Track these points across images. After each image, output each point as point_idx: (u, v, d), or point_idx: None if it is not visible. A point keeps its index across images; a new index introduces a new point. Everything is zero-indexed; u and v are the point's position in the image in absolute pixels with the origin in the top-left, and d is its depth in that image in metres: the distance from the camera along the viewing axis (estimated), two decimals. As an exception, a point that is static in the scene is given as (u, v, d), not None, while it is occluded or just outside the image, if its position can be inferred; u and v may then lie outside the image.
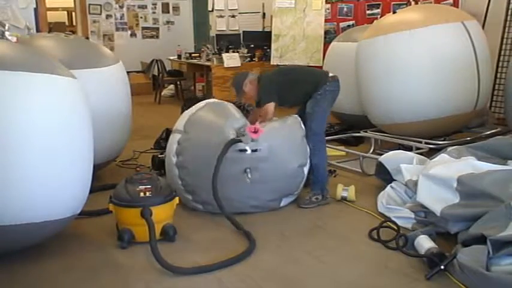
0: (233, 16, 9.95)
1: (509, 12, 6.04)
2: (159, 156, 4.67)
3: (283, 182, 3.67)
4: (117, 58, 4.58)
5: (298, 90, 3.85)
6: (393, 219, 3.43)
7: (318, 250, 3.12)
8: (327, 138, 5.37)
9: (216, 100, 3.98)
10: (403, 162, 3.85)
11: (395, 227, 3.29)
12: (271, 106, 3.75)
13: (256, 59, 8.36)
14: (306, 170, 3.79)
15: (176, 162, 3.63)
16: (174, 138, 3.75)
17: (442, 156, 3.63)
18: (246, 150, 3.41)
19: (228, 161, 3.43)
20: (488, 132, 5.18)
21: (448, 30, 4.88)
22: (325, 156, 3.90)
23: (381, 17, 6.66)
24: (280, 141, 3.62)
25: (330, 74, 3.94)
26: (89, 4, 10.46)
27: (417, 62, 4.83)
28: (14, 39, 4.27)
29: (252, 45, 8.58)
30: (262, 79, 3.92)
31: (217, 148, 3.40)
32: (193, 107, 3.89)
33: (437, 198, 3.22)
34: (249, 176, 3.44)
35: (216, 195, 3.34)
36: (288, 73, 4.03)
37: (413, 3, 6.64)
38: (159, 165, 4.57)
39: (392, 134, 5.23)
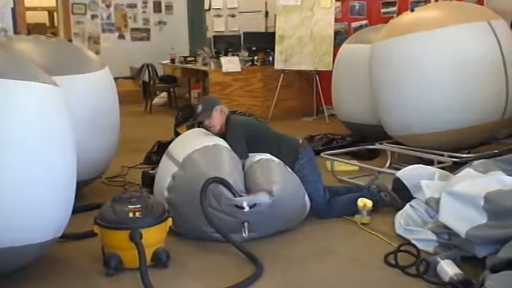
0: (232, 16, 10.02)
1: (540, 10, 6.07)
2: (150, 172, 4.67)
3: (286, 224, 3.74)
4: (104, 63, 4.61)
5: (267, 151, 3.95)
6: (413, 241, 3.42)
7: (328, 276, 3.11)
8: (337, 151, 5.42)
9: (214, 145, 3.82)
10: (423, 178, 3.85)
11: (415, 251, 3.28)
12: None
13: (258, 63, 8.40)
14: (308, 201, 3.87)
15: (166, 198, 3.64)
16: (169, 168, 3.76)
17: (467, 171, 3.62)
18: (243, 207, 3.38)
19: (223, 214, 3.44)
20: (519, 144, 5.18)
21: (472, 30, 4.90)
22: (341, 207, 4.00)
23: (397, 16, 6.69)
24: (282, 186, 3.62)
25: (300, 141, 4.11)
26: (72, 3, 10.53)
27: (438, 66, 4.85)
28: (-11, 42, 4.30)
29: (254, 48, 8.62)
30: (233, 122, 3.99)
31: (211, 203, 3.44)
32: (194, 136, 3.92)
33: (462, 218, 3.21)
34: (246, 232, 3.45)
35: (212, 222, 3.36)
36: (257, 139, 4.02)
37: (432, 0, 6.67)
38: (149, 182, 4.57)
39: (411, 146, 5.23)
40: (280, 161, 3.88)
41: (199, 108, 4.02)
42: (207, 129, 4.05)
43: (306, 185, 3.88)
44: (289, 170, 3.89)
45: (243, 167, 3.83)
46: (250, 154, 3.91)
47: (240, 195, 3.47)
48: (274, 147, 4.00)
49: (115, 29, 10.91)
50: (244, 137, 3.93)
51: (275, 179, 3.65)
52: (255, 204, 3.41)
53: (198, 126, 4.24)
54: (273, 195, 3.50)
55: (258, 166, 3.78)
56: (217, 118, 3.99)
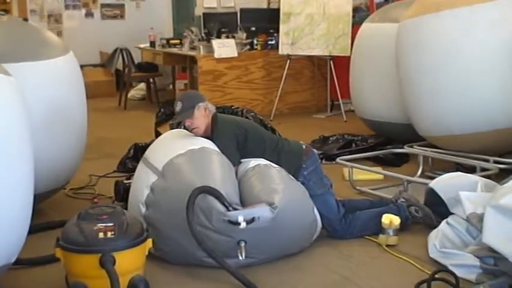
0: (227, -12, 10.05)
1: None
2: (125, 182, 4.68)
3: (292, 246, 3.76)
4: (67, 47, 4.62)
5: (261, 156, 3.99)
6: (450, 267, 3.43)
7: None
8: (357, 155, 5.43)
9: (201, 149, 3.87)
10: (463, 189, 3.85)
11: (454, 279, 3.29)
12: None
13: (258, 46, 8.40)
14: (318, 216, 3.88)
15: (144, 215, 3.65)
16: (146, 177, 3.78)
17: (517, 181, 3.64)
18: (238, 223, 3.37)
19: (214, 232, 3.45)
20: None
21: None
22: (361, 225, 4.02)
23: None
24: (286, 195, 3.65)
25: (303, 146, 4.16)
26: (28, -27, 10.55)
27: (482, 51, 4.86)
28: None
29: (253, 28, 8.62)
30: (221, 122, 4.01)
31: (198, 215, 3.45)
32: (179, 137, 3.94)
33: (512, 239, 3.23)
34: (243, 254, 3.45)
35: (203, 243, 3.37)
36: (250, 143, 4.03)
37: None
38: (125, 194, 4.58)
39: (447, 150, 5.24)
40: (280, 167, 3.90)
41: (179, 106, 3.99)
42: (189, 132, 4.07)
43: (312, 199, 3.89)
44: (293, 178, 3.91)
45: (236, 175, 3.85)
46: (242, 160, 3.93)
47: (235, 209, 3.48)
48: (272, 154, 4.01)
49: (81, 5, 10.91)
50: (235, 141, 3.94)
51: (276, 187, 3.66)
52: (253, 219, 3.40)
53: (184, 128, 4.25)
54: (274, 207, 3.50)
55: (254, 173, 3.79)
56: (201, 118, 3.98)
